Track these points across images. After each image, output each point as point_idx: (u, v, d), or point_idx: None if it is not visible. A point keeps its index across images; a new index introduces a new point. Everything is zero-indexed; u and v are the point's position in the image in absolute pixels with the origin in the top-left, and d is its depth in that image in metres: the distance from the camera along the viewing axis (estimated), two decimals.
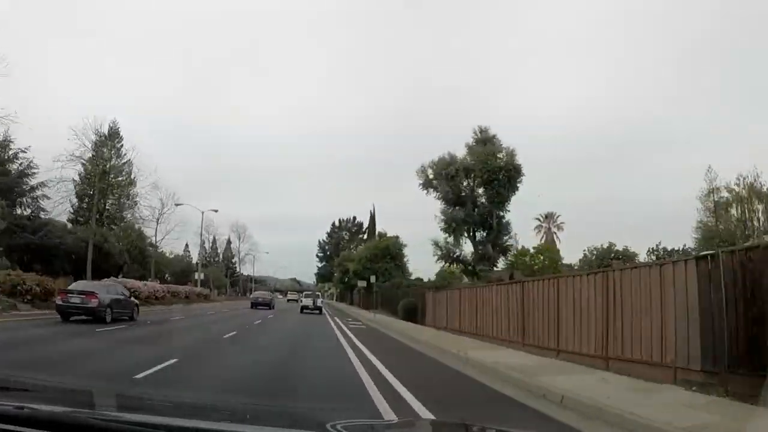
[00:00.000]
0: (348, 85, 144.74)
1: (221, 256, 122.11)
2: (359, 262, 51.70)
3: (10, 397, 2.07)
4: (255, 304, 44.11)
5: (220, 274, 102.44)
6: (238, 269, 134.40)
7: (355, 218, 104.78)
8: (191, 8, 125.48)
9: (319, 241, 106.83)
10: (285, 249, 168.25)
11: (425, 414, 6.34)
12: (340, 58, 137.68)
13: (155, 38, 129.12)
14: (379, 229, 67.39)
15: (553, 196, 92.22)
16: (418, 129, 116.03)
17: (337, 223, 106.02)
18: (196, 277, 51.91)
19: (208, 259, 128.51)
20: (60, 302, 18.61)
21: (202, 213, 52.83)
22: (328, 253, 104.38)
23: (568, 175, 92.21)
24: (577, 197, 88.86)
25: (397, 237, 53.15)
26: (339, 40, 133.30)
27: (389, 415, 6.05)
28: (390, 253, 51.67)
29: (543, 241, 65.48)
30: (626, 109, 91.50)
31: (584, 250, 35.00)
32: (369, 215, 62.88)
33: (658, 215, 69.95)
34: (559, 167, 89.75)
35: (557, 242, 68.07)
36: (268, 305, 44.26)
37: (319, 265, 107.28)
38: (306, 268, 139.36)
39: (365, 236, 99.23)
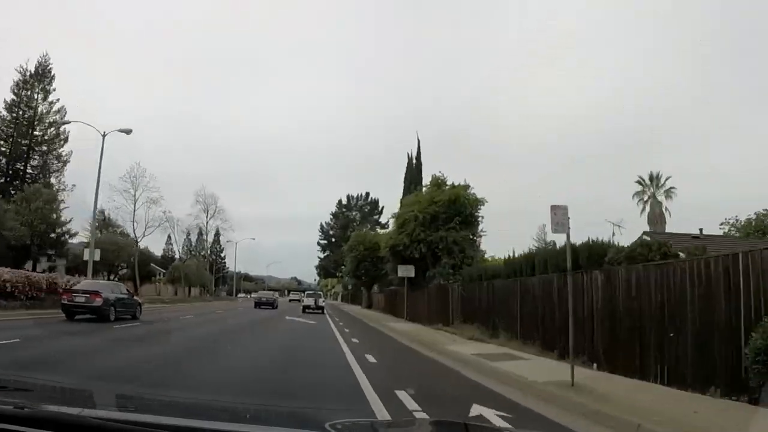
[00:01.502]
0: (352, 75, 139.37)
1: (208, 250, 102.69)
2: (402, 230, 25.31)
3: (10, 397, 1.97)
4: (258, 304, 44.24)
5: (201, 269, 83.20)
6: (227, 265, 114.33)
7: (368, 194, 78.99)
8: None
9: (322, 225, 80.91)
10: (285, 248, 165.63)
11: None
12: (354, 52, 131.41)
13: (155, 36, 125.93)
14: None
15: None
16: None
17: (344, 201, 79.85)
18: (86, 256, 25.85)
19: (192, 252, 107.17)
20: (65, 301, 18.48)
21: (103, 135, 26.98)
22: (333, 239, 78.39)
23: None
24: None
25: (467, 186, 26.88)
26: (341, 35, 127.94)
27: None
28: (459, 212, 25.32)
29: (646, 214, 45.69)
30: None
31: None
32: (407, 159, 37.04)
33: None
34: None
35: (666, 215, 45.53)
36: (272, 305, 44.01)
37: (321, 256, 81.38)
38: (307, 265, 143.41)
39: (381, 217, 73.73)
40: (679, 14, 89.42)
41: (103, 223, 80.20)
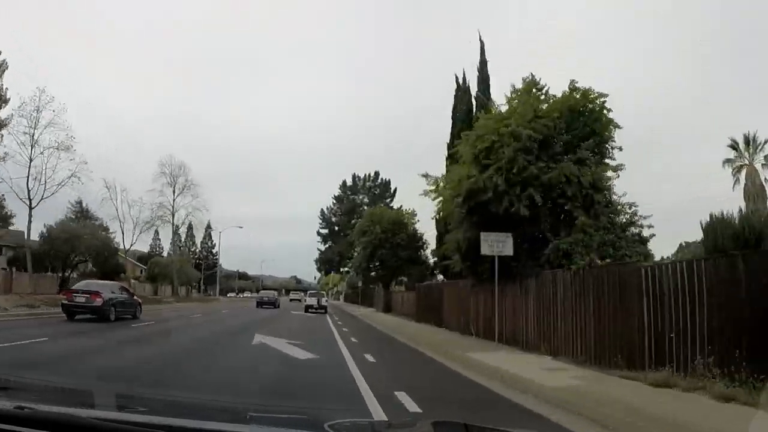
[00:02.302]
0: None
1: (198, 246, 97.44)
2: (489, 161, 11.63)
3: (10, 397, 1.97)
4: (260, 304, 41.46)
5: (187, 266, 73.29)
6: (219, 262, 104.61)
7: (377, 174, 65.73)
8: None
9: (322, 211, 67.66)
10: (285, 248, 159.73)
11: None
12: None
13: (155, 36, 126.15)
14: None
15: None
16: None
17: (349, 182, 66.50)
18: None
19: (181, 248, 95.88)
20: (65, 301, 18.69)
21: None
22: (335, 228, 65.21)
23: None
24: None
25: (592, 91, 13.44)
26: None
27: None
28: (593, 132, 11.54)
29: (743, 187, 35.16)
30: None
31: None
32: (454, 81, 23.27)
33: None
34: None
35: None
36: (273, 304, 41.33)
37: (322, 248, 67.82)
38: (305, 265, 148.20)
39: (393, 200, 60.48)
40: (679, 14, 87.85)
41: (80, 214, 64.77)
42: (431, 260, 37.95)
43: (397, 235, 34.93)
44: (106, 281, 25.34)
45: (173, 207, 49.46)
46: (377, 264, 35.45)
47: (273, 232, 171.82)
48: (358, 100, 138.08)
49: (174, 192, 49.31)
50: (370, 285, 46.29)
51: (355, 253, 50.76)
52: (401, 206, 39.49)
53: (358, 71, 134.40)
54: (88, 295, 18.05)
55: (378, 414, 5.59)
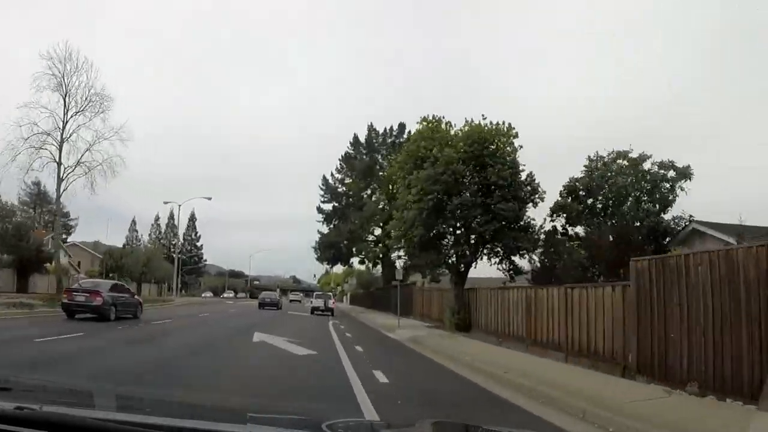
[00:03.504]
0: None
1: (181, 238, 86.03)
2: None
3: (10, 397, 1.94)
4: (262, 305, 41.06)
5: (158, 259, 63.23)
6: (204, 257, 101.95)
7: (403, 126, 46.68)
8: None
9: (325, 178, 48.64)
10: (285, 248, 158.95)
11: None
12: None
13: (155, 36, 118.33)
14: None
15: None
16: None
17: (363, 138, 47.44)
18: None
19: (160, 239, 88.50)
20: (65, 300, 18.95)
21: None
22: (344, 200, 46.30)
23: None
24: None
25: None
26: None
27: None
28: None
29: None
30: None
31: None
32: None
33: None
34: None
35: None
36: (276, 305, 41.30)
37: (324, 230, 48.52)
38: (304, 265, 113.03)
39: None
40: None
41: (37, 197, 56.32)
42: (549, 223, 19.55)
43: (490, 167, 16.16)
44: (107, 280, 25.13)
45: (63, 131, 27.24)
46: (453, 221, 16.50)
47: (272, 232, 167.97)
48: (359, 100, 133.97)
49: (66, 104, 27.41)
50: (395, 280, 26.11)
51: (385, 228, 31.16)
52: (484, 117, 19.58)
53: (360, 70, 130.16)
54: (87, 294, 18.28)
55: None
